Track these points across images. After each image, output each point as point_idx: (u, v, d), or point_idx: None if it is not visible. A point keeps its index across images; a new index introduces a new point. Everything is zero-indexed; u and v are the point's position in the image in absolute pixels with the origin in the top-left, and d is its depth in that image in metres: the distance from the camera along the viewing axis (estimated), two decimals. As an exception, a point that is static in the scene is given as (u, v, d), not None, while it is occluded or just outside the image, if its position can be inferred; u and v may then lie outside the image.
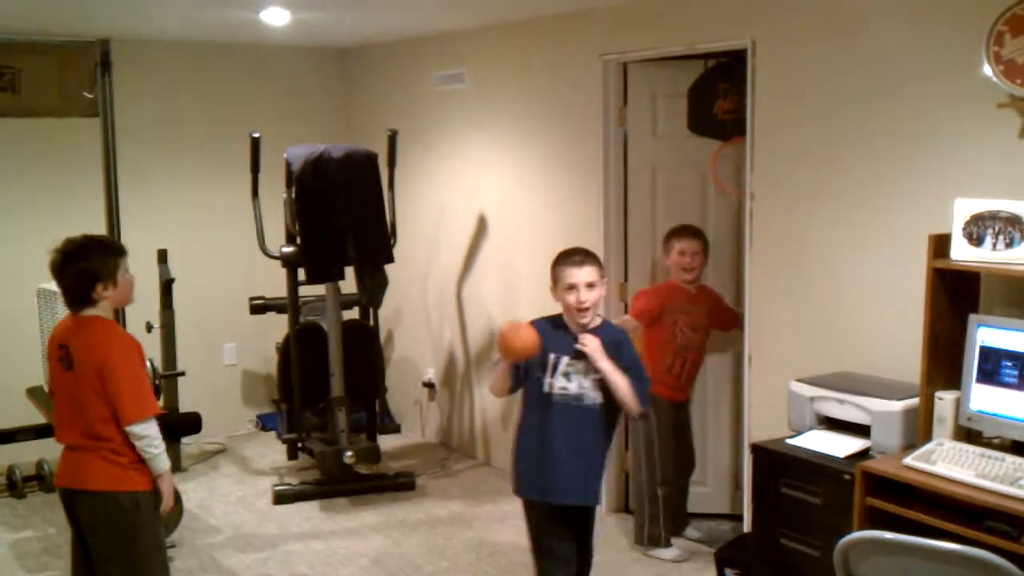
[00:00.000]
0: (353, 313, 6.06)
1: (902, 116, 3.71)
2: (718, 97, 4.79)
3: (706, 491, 5.01)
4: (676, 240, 4.63)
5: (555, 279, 3.50)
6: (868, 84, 3.81)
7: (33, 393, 5.30)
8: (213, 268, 6.48)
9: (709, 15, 4.44)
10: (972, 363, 3.25)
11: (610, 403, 3.46)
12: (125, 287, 3.38)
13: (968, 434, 3.29)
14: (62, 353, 3.34)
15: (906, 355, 3.55)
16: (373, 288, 5.42)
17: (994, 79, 3.31)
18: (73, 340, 3.32)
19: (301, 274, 5.51)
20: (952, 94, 3.53)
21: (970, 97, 3.46)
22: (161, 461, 3.32)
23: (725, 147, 4.81)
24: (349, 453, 5.35)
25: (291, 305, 5.68)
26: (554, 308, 3.56)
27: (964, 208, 3.25)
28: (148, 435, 3.27)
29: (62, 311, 4.93)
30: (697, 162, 4.89)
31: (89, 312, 3.33)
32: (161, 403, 5.14)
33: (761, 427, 4.22)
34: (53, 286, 4.99)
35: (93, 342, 3.29)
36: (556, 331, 3.48)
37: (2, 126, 5.61)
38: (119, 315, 5.46)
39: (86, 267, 3.29)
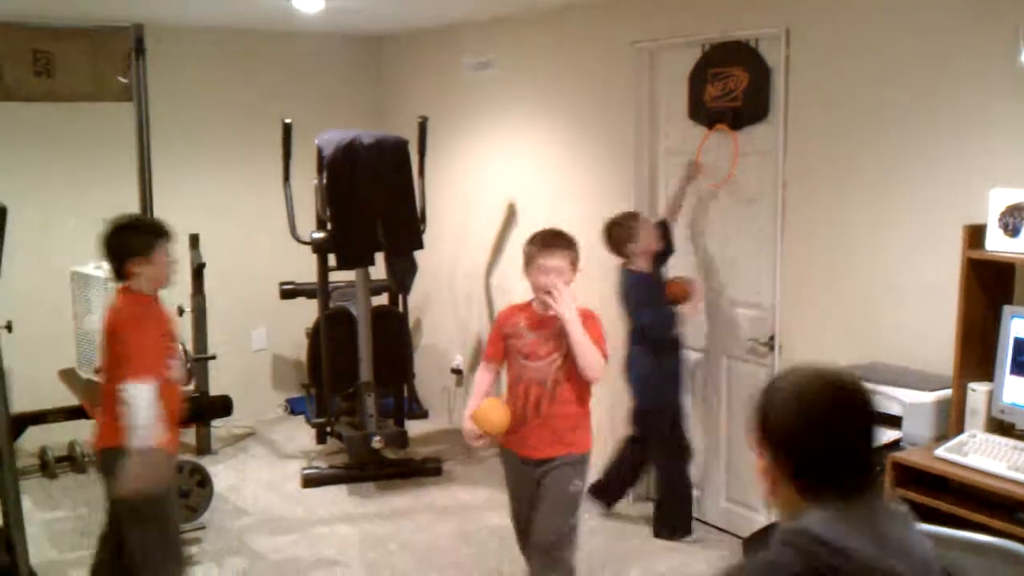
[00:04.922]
0: (382, 299, 6.08)
1: (938, 104, 3.66)
2: (707, 83, 4.62)
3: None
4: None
5: None
6: (903, 72, 3.77)
7: (65, 374, 5.36)
8: (244, 253, 6.52)
9: (743, 2, 4.41)
10: (1006, 355, 3.22)
11: None
12: (160, 267, 3.47)
13: (1001, 426, 3.26)
14: (103, 324, 3.54)
15: (939, 346, 3.52)
16: (403, 274, 5.43)
17: (1033, 67, 3.27)
18: (108, 310, 3.54)
19: (331, 260, 5.53)
20: (989, 82, 3.49)
21: (1008, 85, 3.41)
22: (134, 435, 3.21)
23: (710, 135, 4.62)
24: (377, 438, 5.38)
25: (321, 290, 5.71)
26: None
27: (1000, 198, 3.21)
28: (131, 399, 3.22)
29: (94, 294, 5.03)
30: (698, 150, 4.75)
31: (124, 284, 3.48)
32: (192, 386, 5.21)
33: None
34: (87, 269, 5.08)
35: (113, 310, 3.48)
36: None
37: (37, 110, 5.66)
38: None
39: (119, 241, 3.45)
